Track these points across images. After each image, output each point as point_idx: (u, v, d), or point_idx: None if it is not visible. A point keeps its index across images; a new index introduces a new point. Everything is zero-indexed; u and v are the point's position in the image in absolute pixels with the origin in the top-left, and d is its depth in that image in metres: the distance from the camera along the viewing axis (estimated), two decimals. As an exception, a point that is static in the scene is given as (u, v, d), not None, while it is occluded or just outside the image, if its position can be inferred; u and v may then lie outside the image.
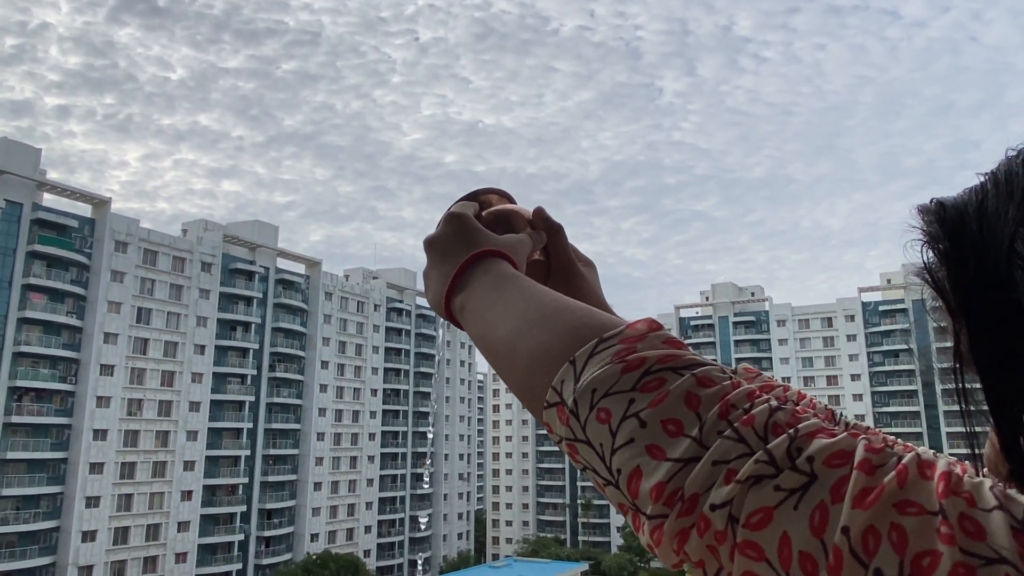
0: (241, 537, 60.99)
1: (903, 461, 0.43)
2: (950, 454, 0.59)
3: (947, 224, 0.57)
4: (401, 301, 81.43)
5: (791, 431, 0.46)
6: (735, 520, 0.44)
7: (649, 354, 0.52)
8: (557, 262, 0.89)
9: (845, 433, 0.46)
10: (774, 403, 0.49)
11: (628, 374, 0.52)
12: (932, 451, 0.59)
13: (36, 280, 50.99)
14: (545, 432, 0.70)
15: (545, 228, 0.87)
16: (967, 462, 0.56)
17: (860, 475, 0.42)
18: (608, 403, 0.51)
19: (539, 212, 0.88)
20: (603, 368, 0.53)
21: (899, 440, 0.58)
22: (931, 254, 0.58)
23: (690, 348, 0.55)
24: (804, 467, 0.44)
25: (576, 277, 0.89)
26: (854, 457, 0.43)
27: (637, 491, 0.49)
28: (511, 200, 0.90)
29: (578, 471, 0.56)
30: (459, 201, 0.84)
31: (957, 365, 0.55)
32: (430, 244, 0.78)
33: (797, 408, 0.49)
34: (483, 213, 0.85)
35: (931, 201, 0.60)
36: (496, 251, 0.75)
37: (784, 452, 0.45)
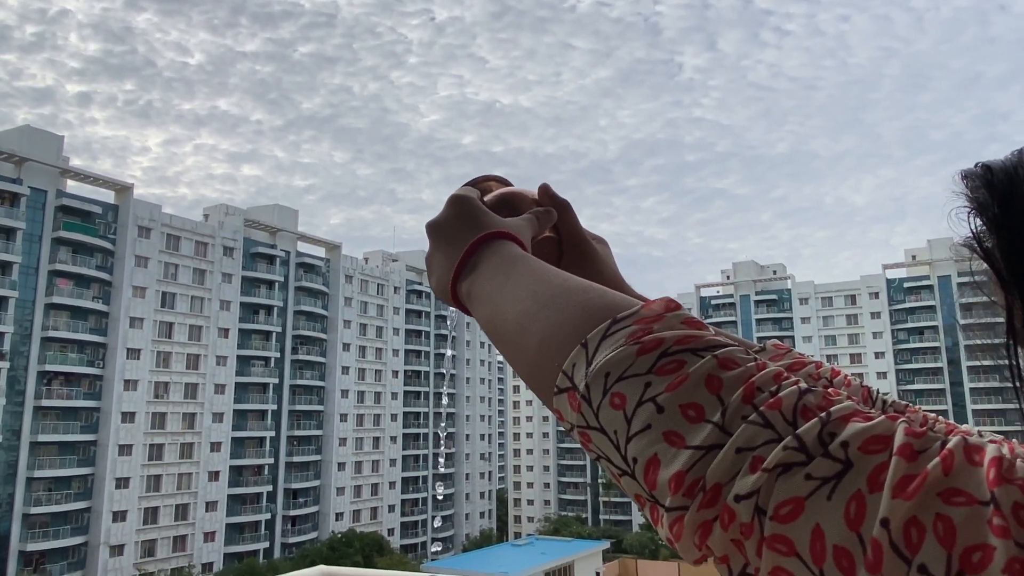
0: (268, 516, 62.08)
1: (948, 446, 0.38)
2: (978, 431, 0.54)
3: (996, 189, 0.53)
4: (421, 283, 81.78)
5: (823, 415, 0.42)
6: (762, 512, 0.40)
7: (666, 335, 0.48)
8: (568, 238, 0.84)
9: (883, 416, 0.41)
10: (803, 385, 0.45)
11: (644, 356, 0.48)
12: (978, 432, 0.54)
13: (62, 266, 51.84)
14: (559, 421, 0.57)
15: (552, 205, 0.82)
16: (1014, 440, 0.49)
17: (900, 461, 0.38)
18: (622, 387, 0.48)
19: (544, 189, 0.83)
20: (617, 350, 0.49)
21: (941, 418, 0.53)
22: (979, 222, 0.54)
23: (711, 328, 0.52)
24: (838, 453, 0.40)
25: (590, 252, 0.85)
26: (893, 442, 0.39)
27: (655, 481, 0.45)
28: (510, 186, 0.87)
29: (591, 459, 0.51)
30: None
31: (1011, 341, 0.52)
32: (434, 228, 0.75)
33: (829, 390, 0.45)
34: (484, 199, 0.80)
35: (977, 165, 0.56)
36: (503, 233, 0.71)
37: (815, 438, 0.41)
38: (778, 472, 0.40)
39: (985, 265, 0.54)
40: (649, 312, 0.51)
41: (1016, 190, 0.53)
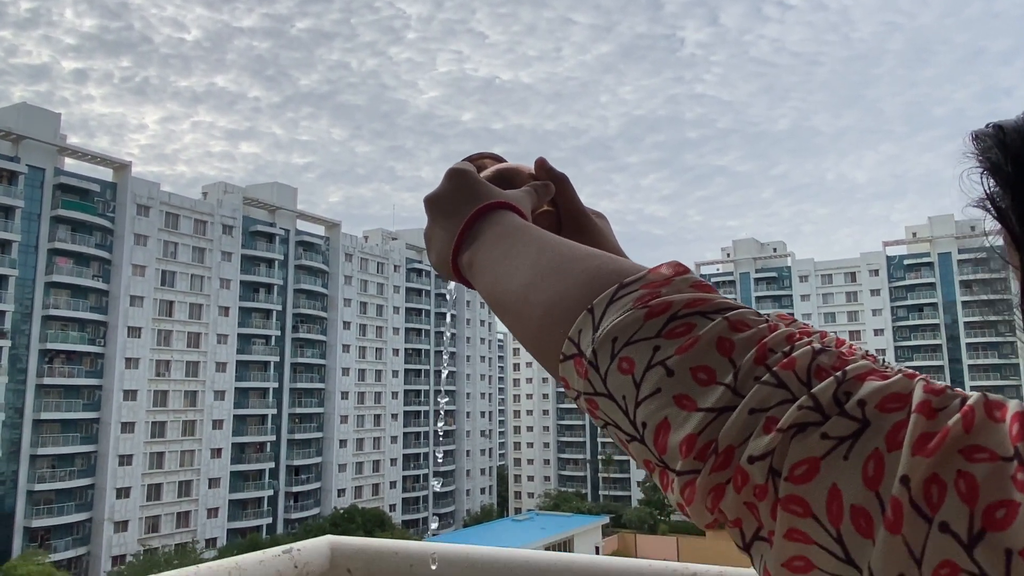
0: (270, 493, 62.63)
1: (968, 402, 0.37)
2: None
3: (1009, 148, 0.52)
4: (420, 261, 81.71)
5: (838, 374, 0.41)
6: (776, 473, 0.39)
7: (675, 298, 0.47)
8: (567, 212, 0.83)
9: (900, 374, 0.41)
10: (817, 345, 0.44)
11: (652, 320, 0.47)
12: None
13: (61, 244, 51.77)
14: (564, 390, 0.53)
15: (549, 179, 0.81)
16: None
17: (920, 419, 0.37)
18: (631, 351, 0.47)
19: (541, 163, 0.82)
20: (624, 314, 0.48)
21: (958, 389, 0.50)
22: (992, 182, 0.53)
23: (720, 292, 0.50)
24: (855, 412, 0.38)
25: (589, 225, 0.83)
26: (911, 399, 0.38)
27: (665, 445, 0.44)
28: (505, 162, 0.86)
29: (598, 427, 0.50)
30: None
31: None
32: (432, 201, 0.73)
33: (843, 349, 0.44)
34: (481, 175, 0.79)
35: (988, 125, 0.55)
36: (504, 203, 0.70)
37: (831, 397, 0.39)
38: (793, 432, 0.39)
39: (989, 240, 0.54)
40: (657, 276, 0.50)
41: None
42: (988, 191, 0.54)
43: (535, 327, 0.55)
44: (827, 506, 0.37)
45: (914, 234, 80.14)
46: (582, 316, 0.50)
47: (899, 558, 0.34)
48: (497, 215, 0.68)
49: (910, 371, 0.42)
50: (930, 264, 77.21)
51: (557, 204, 0.83)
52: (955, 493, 0.34)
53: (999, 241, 0.54)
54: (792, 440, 0.39)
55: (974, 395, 0.38)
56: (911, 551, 0.34)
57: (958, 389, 0.39)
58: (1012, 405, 0.37)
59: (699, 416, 0.42)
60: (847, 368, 0.41)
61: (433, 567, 1.42)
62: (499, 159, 0.84)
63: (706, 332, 0.45)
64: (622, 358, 0.47)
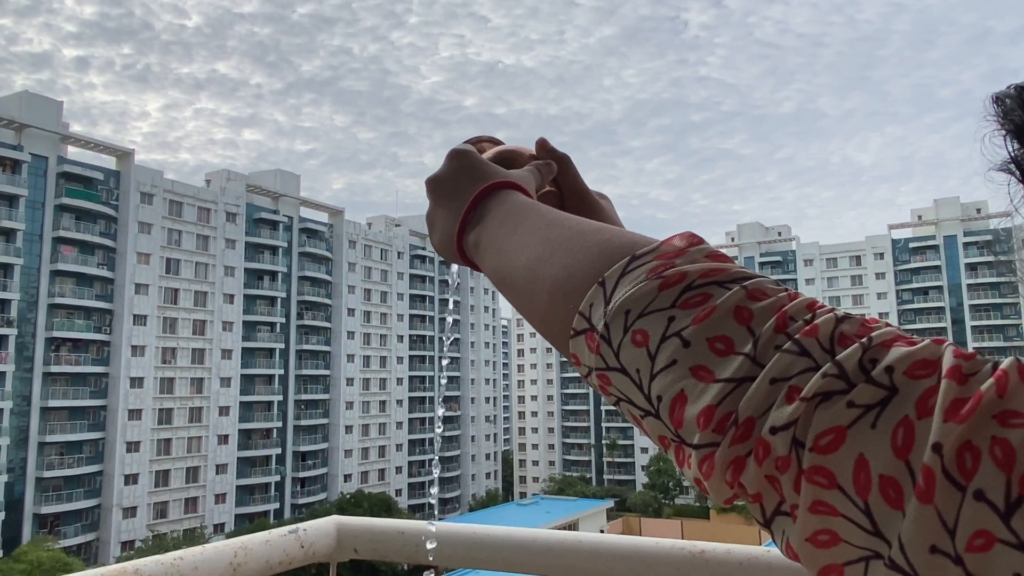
0: (277, 478, 63.09)
1: (1001, 366, 0.35)
2: None
3: None
4: (424, 248, 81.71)
5: (863, 340, 0.39)
6: (800, 444, 0.37)
7: (690, 268, 0.46)
8: (569, 191, 0.81)
9: (928, 340, 0.39)
10: (840, 312, 0.42)
11: (666, 291, 0.45)
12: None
13: (66, 233, 51.87)
14: (570, 374, 0.49)
15: (551, 159, 0.80)
16: None
17: (951, 384, 0.35)
18: (645, 323, 0.45)
19: (542, 143, 0.80)
20: (637, 286, 0.46)
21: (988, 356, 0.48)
22: (1016, 144, 0.52)
23: (736, 262, 0.48)
24: (882, 379, 0.37)
25: (593, 205, 0.81)
26: (941, 365, 0.36)
27: (681, 419, 0.42)
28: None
29: (602, 411, 0.49)
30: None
31: None
32: (435, 183, 0.71)
33: (866, 316, 0.42)
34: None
35: (1009, 87, 0.53)
36: (509, 182, 0.69)
37: (856, 364, 0.38)
38: (817, 401, 0.37)
39: (993, 223, 0.51)
40: (670, 247, 0.48)
41: None
42: (1013, 153, 0.52)
43: (544, 303, 0.54)
44: (854, 477, 0.36)
45: (919, 217, 79.76)
46: (593, 289, 0.49)
47: (931, 529, 0.33)
48: (503, 194, 0.67)
49: (939, 338, 0.40)
50: (935, 247, 76.93)
51: (560, 184, 0.82)
52: (990, 460, 0.33)
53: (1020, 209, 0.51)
54: (816, 409, 0.37)
55: (1007, 359, 0.36)
56: (944, 521, 0.33)
57: (988, 356, 0.37)
58: None
59: (717, 387, 0.41)
60: (873, 335, 0.39)
61: (431, 546, 1.42)
62: (498, 142, 0.83)
63: (723, 301, 0.44)
64: (635, 330, 0.45)
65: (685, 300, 0.45)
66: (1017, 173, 0.52)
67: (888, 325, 0.41)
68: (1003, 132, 0.52)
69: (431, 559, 1.41)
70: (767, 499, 0.40)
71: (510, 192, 0.68)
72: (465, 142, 0.79)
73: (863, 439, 0.36)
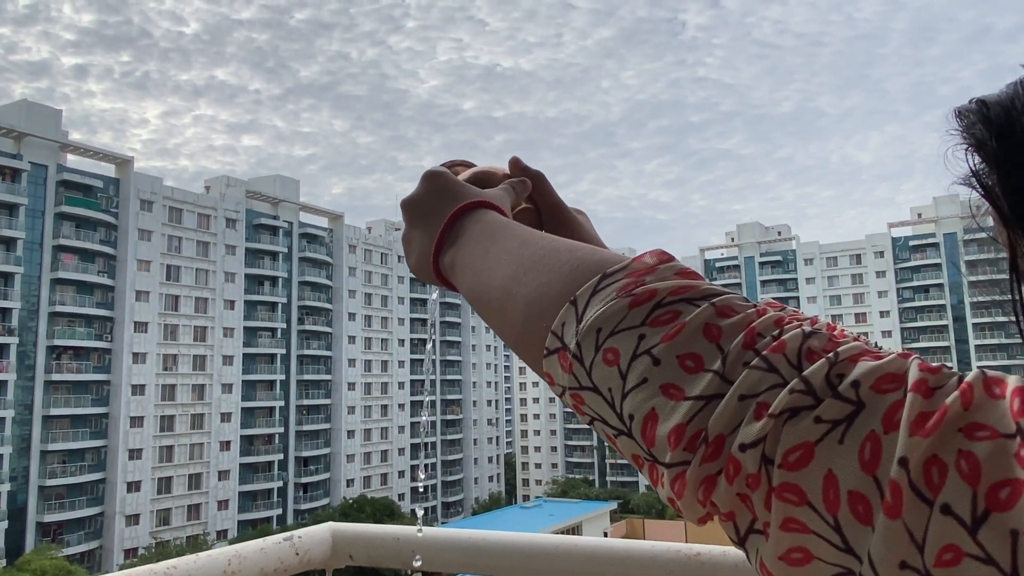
0: (280, 484, 63.01)
1: (967, 379, 0.36)
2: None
3: (993, 123, 0.51)
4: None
5: (829, 355, 0.39)
6: (769, 461, 0.37)
7: (659, 286, 0.46)
8: (546, 207, 0.82)
9: (894, 354, 0.39)
10: (807, 328, 0.42)
11: (636, 308, 0.45)
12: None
13: (66, 241, 51.90)
14: (549, 386, 0.50)
15: (525, 176, 0.80)
16: None
17: (916, 398, 0.35)
18: (615, 342, 0.45)
19: (515, 162, 0.81)
20: (608, 304, 0.46)
21: (954, 369, 0.48)
22: (978, 159, 0.52)
23: (706, 279, 0.48)
24: (848, 394, 0.37)
25: (570, 220, 0.82)
26: (907, 379, 0.36)
27: (653, 437, 0.42)
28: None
29: (585, 423, 0.50)
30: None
31: (1014, 278, 0.50)
32: (410, 205, 0.71)
33: (835, 332, 0.43)
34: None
35: (971, 101, 0.54)
36: (484, 202, 0.69)
37: (823, 379, 0.38)
38: (785, 417, 0.37)
39: (978, 219, 0.53)
40: (640, 265, 0.48)
41: (1014, 123, 0.50)
42: (973, 168, 0.52)
43: (518, 323, 0.54)
44: (823, 493, 0.35)
45: (919, 215, 79.74)
46: (565, 308, 0.49)
47: (900, 544, 0.33)
48: (478, 213, 0.67)
49: (904, 352, 0.40)
50: (935, 245, 76.90)
51: (536, 201, 0.82)
52: (956, 473, 0.32)
53: (988, 220, 0.53)
54: (785, 425, 0.37)
55: (972, 372, 0.37)
56: (912, 536, 0.33)
57: (954, 368, 0.38)
58: (1012, 381, 0.36)
59: (687, 405, 0.41)
60: (839, 349, 0.39)
61: (417, 563, 1.41)
62: (471, 165, 0.83)
63: (692, 319, 0.43)
64: (607, 349, 0.45)
65: (655, 318, 0.45)
66: (978, 187, 0.52)
67: (857, 339, 0.42)
68: (965, 146, 0.53)
69: (417, 563, 1.40)
70: (740, 517, 0.40)
71: (485, 211, 0.67)
72: (440, 165, 0.80)
73: (831, 455, 0.36)
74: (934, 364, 0.37)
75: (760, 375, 0.39)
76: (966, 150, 0.53)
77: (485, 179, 0.78)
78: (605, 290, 0.47)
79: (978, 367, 0.38)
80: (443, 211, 0.68)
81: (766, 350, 0.40)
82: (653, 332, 0.44)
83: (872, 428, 0.35)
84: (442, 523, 65.89)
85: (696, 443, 0.40)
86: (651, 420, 0.42)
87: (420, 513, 1.20)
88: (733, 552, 1.25)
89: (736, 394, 0.39)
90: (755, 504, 0.38)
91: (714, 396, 0.40)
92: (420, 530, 1.33)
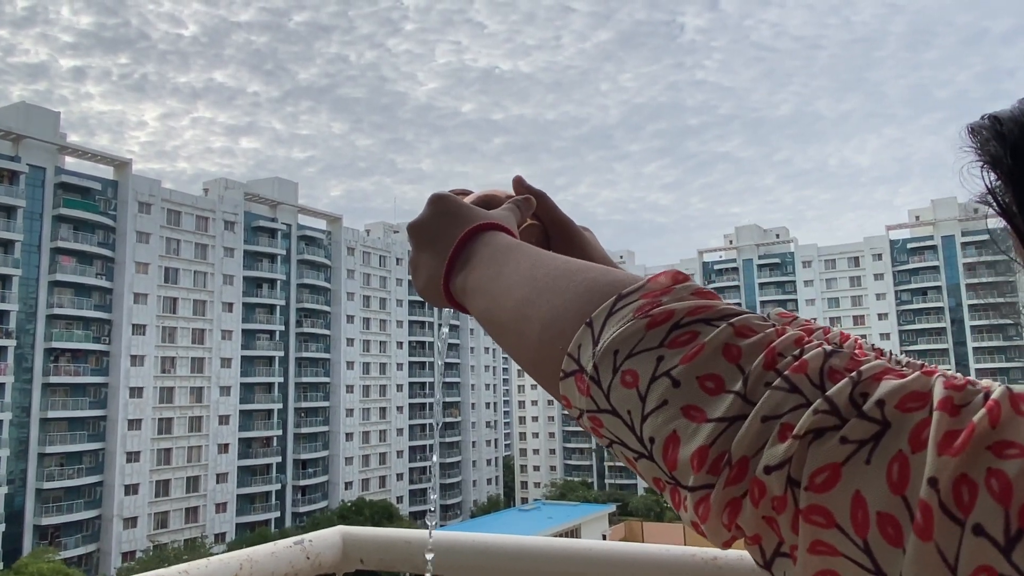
0: (278, 487, 62.91)
1: (993, 396, 0.34)
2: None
3: (1007, 140, 0.51)
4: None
5: (852, 375, 0.38)
6: (795, 483, 0.36)
7: (676, 306, 0.45)
8: (551, 223, 0.83)
9: (917, 372, 0.38)
10: (828, 347, 0.41)
11: (654, 330, 0.45)
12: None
13: (64, 243, 51.83)
14: (566, 410, 0.48)
15: (528, 194, 0.81)
16: None
17: (943, 416, 0.34)
18: (634, 364, 0.44)
19: (518, 181, 0.82)
20: (625, 326, 0.45)
21: (980, 383, 0.46)
22: (993, 176, 0.52)
23: (723, 299, 0.47)
24: (874, 413, 0.36)
25: (577, 236, 0.82)
26: (932, 397, 0.35)
27: (675, 461, 0.41)
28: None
29: (604, 447, 0.45)
30: None
31: None
32: (417, 228, 0.71)
33: (855, 351, 0.41)
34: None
35: (984, 117, 0.53)
36: (492, 224, 0.68)
37: (847, 399, 0.37)
38: (810, 438, 0.37)
39: (989, 223, 0.53)
40: (656, 285, 0.48)
41: None
42: (989, 186, 0.52)
43: (533, 345, 0.53)
44: (852, 514, 0.35)
45: (917, 217, 79.85)
46: (581, 330, 0.48)
47: (932, 566, 0.32)
48: (487, 236, 0.67)
49: (928, 367, 0.41)
50: (934, 247, 76.99)
51: (541, 218, 0.83)
52: (987, 493, 0.32)
53: (990, 221, 0.53)
54: (810, 446, 0.36)
55: (998, 388, 0.35)
56: (944, 558, 0.32)
57: (980, 382, 0.37)
58: None
59: (710, 427, 0.40)
60: (862, 368, 0.38)
61: (429, 556, 1.40)
62: (467, 192, 0.84)
63: (711, 339, 0.43)
64: (625, 371, 0.44)
65: (673, 339, 0.44)
66: (995, 206, 0.52)
67: (878, 357, 0.41)
68: (980, 163, 0.52)
69: (430, 569, 1.39)
70: (766, 540, 0.39)
71: (494, 233, 0.67)
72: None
73: (858, 475, 0.35)
74: (959, 380, 0.37)
75: (783, 395, 0.39)
76: (982, 167, 0.52)
77: (489, 202, 0.78)
78: (621, 311, 0.47)
79: (1000, 381, 0.37)
80: (452, 234, 0.68)
81: (788, 370, 0.40)
82: (672, 353, 0.43)
83: (899, 448, 0.35)
84: (440, 526, 65.83)
85: (720, 466, 0.39)
86: (672, 443, 0.42)
87: (433, 520, 1.21)
88: (750, 557, 1.24)
89: (759, 415, 0.39)
90: (782, 527, 0.38)
91: (736, 417, 0.40)
92: (431, 535, 1.32)
